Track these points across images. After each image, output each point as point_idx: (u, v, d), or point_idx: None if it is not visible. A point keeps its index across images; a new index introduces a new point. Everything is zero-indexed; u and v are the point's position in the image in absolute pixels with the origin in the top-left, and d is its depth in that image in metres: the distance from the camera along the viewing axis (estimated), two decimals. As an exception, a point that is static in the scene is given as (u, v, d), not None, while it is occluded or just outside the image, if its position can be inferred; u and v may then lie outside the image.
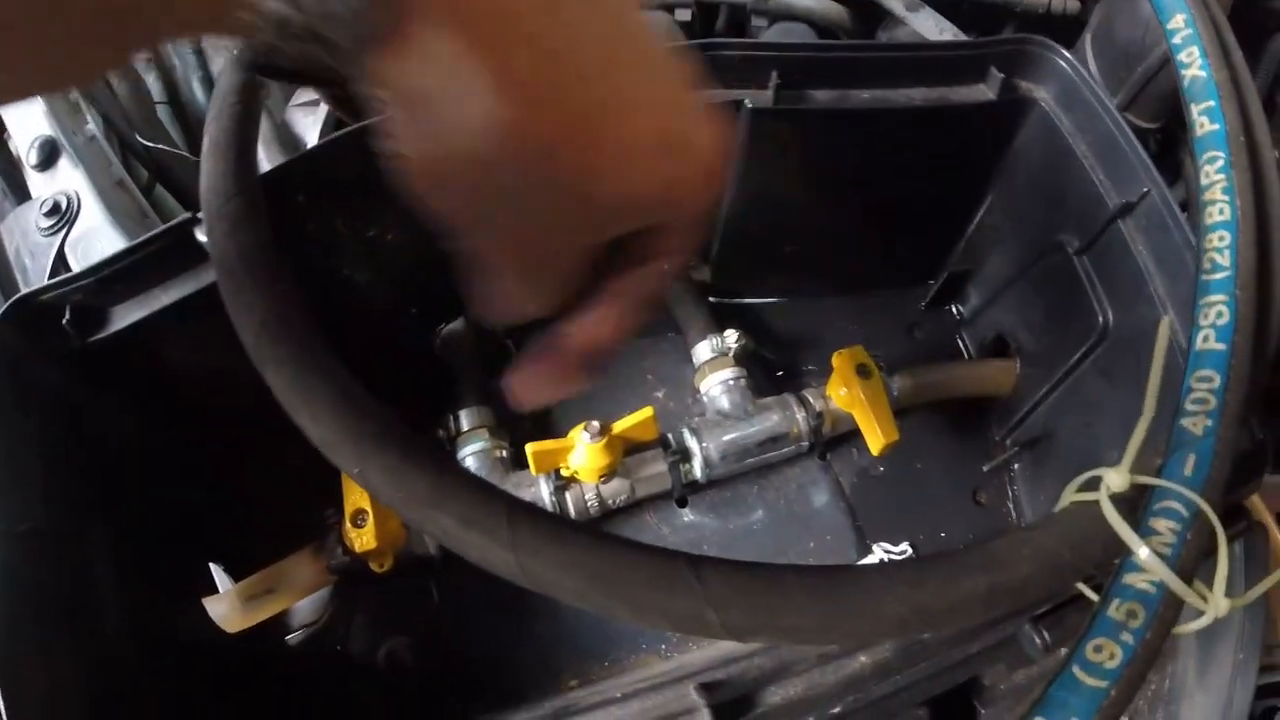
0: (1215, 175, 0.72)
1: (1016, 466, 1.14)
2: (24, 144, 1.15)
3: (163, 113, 1.40)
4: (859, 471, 1.13)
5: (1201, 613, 0.56)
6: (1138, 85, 1.14)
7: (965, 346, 1.22)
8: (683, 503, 1.08)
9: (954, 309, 1.25)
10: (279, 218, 0.80)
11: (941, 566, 0.54)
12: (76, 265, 1.00)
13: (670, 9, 1.30)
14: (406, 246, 0.99)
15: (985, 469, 1.14)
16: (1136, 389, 0.65)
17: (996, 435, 1.16)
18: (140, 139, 1.24)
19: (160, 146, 1.23)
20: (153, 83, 1.43)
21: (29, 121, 1.18)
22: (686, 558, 0.51)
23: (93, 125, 1.22)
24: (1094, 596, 0.56)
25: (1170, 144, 1.25)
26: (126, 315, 0.84)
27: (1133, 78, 1.13)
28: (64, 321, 0.81)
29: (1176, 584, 0.53)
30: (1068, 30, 1.27)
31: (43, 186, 1.13)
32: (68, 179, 1.13)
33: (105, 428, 0.89)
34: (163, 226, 0.82)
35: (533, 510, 0.54)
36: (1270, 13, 1.20)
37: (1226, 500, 0.68)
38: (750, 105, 0.94)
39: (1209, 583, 0.57)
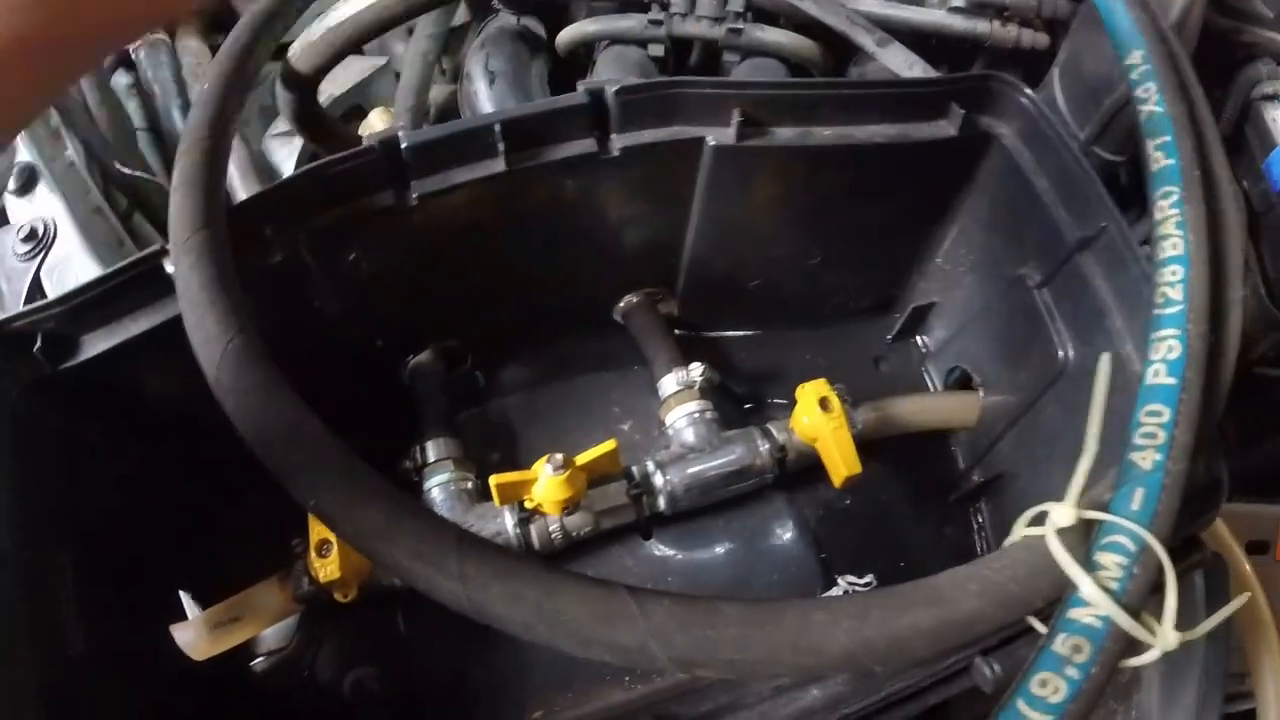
0: (1169, 210, 0.73)
1: (982, 499, 1.14)
2: (2, 169, 1.16)
3: (143, 139, 1.41)
4: (824, 504, 1.13)
5: (1151, 646, 0.56)
6: (1106, 117, 1.14)
7: (931, 378, 1.22)
8: (647, 535, 1.08)
9: (919, 341, 1.25)
10: (246, 250, 0.82)
11: (886, 601, 0.55)
12: (52, 290, 1.01)
13: (643, 44, 1.32)
14: (377, 279, 0.99)
15: (951, 500, 1.15)
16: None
17: (962, 467, 1.16)
18: (119, 166, 1.25)
19: (139, 174, 1.24)
20: (134, 110, 1.45)
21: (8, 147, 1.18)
22: (630, 591, 0.52)
23: (72, 152, 1.23)
24: (1043, 629, 0.57)
25: (1141, 177, 1.25)
26: (97, 344, 0.84)
27: (1100, 110, 1.14)
28: (35, 349, 0.81)
29: (1122, 618, 0.54)
30: (1037, 64, 1.28)
31: (20, 212, 1.14)
32: (45, 205, 1.14)
33: (75, 453, 0.89)
34: (132, 257, 0.82)
35: (482, 544, 0.54)
36: (1239, 45, 1.22)
37: (1180, 533, 0.69)
38: (713, 143, 0.95)
39: (1160, 616, 0.57)
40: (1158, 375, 0.65)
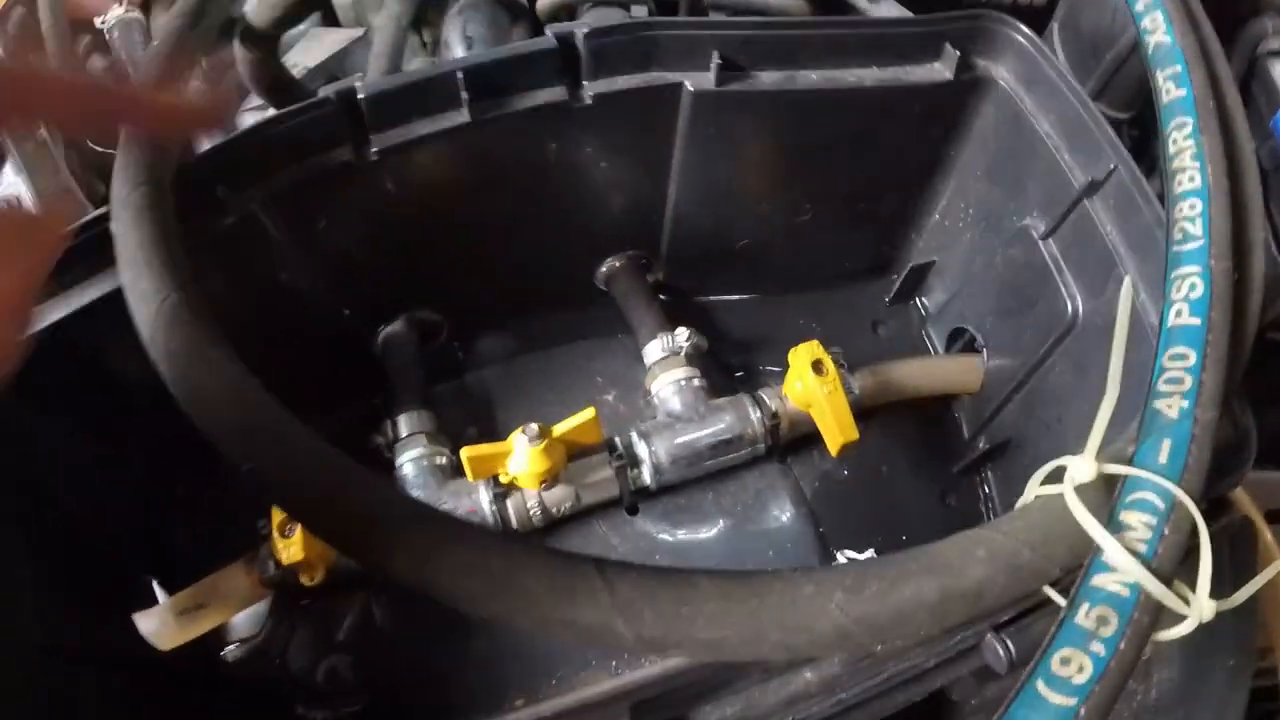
0: (1184, 141, 0.68)
1: (988, 467, 1.09)
2: (-31, 148, 1.13)
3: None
4: (821, 476, 1.08)
5: (1183, 617, 0.50)
6: (1108, 73, 1.10)
7: (932, 341, 1.17)
8: (633, 511, 1.02)
9: (919, 303, 1.20)
10: (198, 213, 0.80)
11: (884, 570, 0.49)
12: None
13: (626, 6, 1.27)
14: (341, 244, 0.94)
15: (955, 470, 1.09)
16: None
17: (966, 434, 1.11)
18: (92, 144, 1.22)
19: (111, 152, 1.21)
20: None
21: None
22: (596, 563, 0.46)
23: (43, 131, 1.21)
24: (1062, 601, 0.51)
25: (1144, 136, 1.22)
26: (47, 315, 0.80)
27: (1102, 66, 1.10)
28: None
29: (1153, 585, 0.48)
30: (1036, 21, 1.23)
31: None
32: (11, 184, 1.13)
33: (26, 433, 0.85)
34: (80, 220, 0.78)
35: (432, 514, 0.49)
36: (1242, 0, 1.17)
37: (1208, 492, 0.63)
38: (691, 88, 0.89)
39: (1190, 583, 0.51)
40: (1180, 316, 0.59)
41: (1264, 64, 1.15)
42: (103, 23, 1.41)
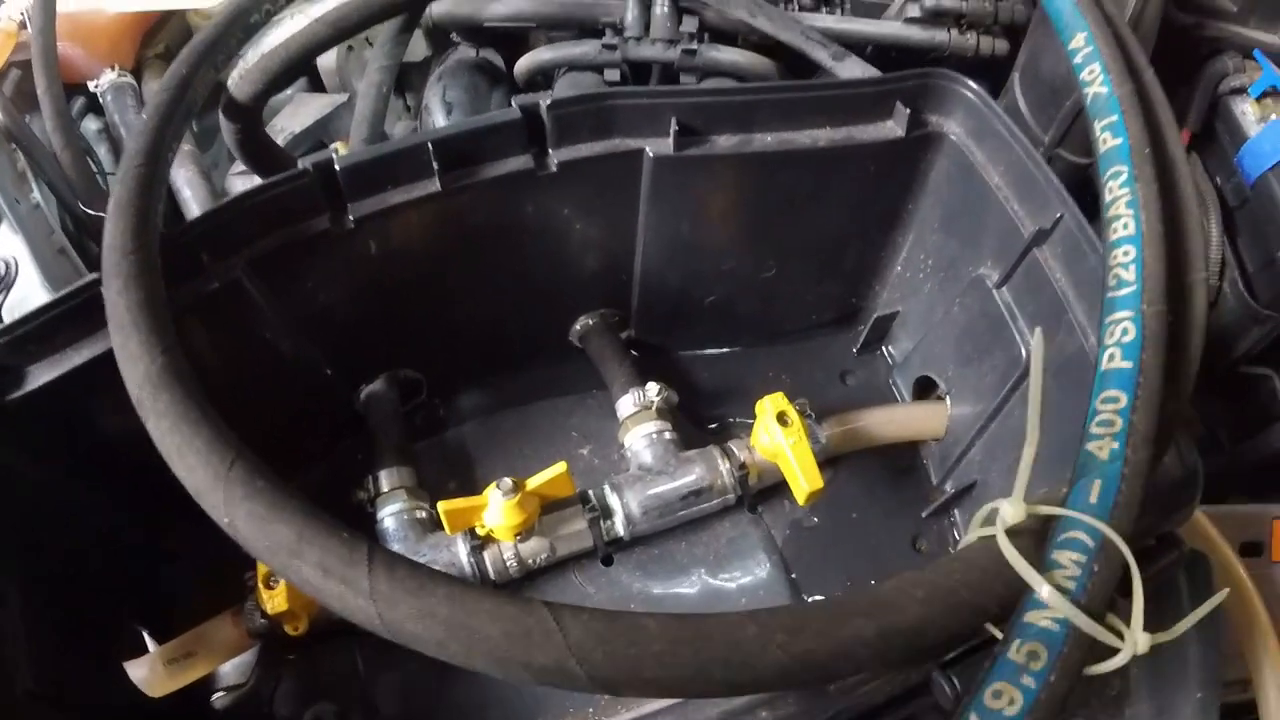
0: (1119, 190, 0.71)
1: (956, 510, 1.11)
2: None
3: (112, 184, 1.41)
4: (792, 524, 1.10)
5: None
6: (1068, 119, 1.14)
7: (899, 390, 1.19)
8: (608, 561, 1.04)
9: (885, 353, 1.22)
10: (183, 278, 0.84)
11: (825, 611, 0.51)
12: None
13: (599, 69, 1.31)
14: (322, 307, 0.97)
15: (924, 514, 1.11)
16: (1065, 421, 0.63)
17: (934, 479, 1.13)
18: (84, 208, 1.25)
19: (103, 215, 1.24)
20: (105, 155, 1.46)
21: None
22: (549, 607, 0.49)
23: (37, 194, 1.25)
24: (998, 634, 0.54)
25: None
26: (41, 375, 0.83)
27: (1061, 112, 1.13)
28: None
29: (1081, 620, 0.51)
30: (998, 72, 1.28)
31: None
32: (8, 245, 1.15)
33: (22, 485, 0.87)
34: (72, 286, 0.82)
35: (394, 560, 0.52)
36: (1203, 40, 1.21)
37: (1154, 530, 0.66)
38: (652, 154, 0.93)
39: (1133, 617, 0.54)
40: (1113, 360, 0.62)
41: (1226, 102, 1.18)
42: (96, 86, 1.46)
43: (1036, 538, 0.56)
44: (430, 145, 0.87)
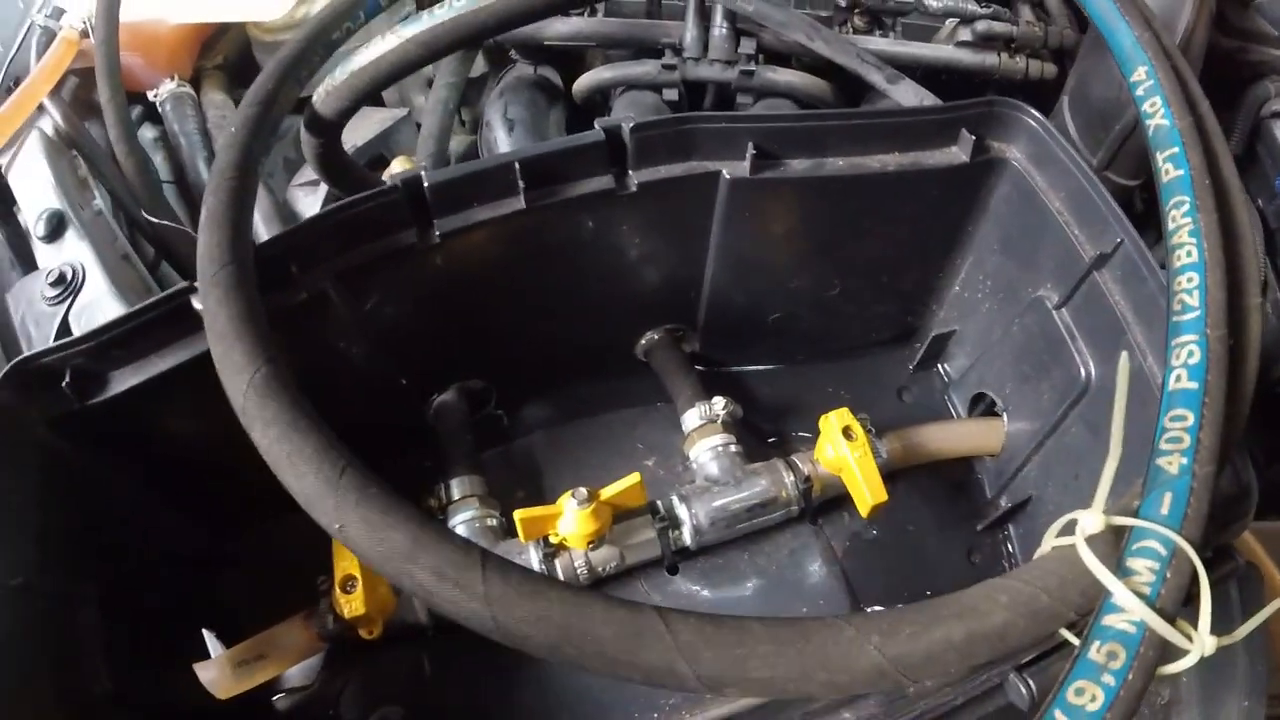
0: (1181, 219, 0.73)
1: (1010, 524, 1.13)
2: (32, 216, 1.19)
3: (170, 192, 1.43)
4: (851, 535, 1.13)
5: (1188, 651, 0.55)
6: (1116, 143, 1.15)
7: (954, 406, 1.22)
8: (674, 570, 1.07)
9: (941, 370, 1.25)
10: (272, 288, 0.85)
11: (917, 615, 0.54)
12: None
13: (658, 89, 1.33)
14: (401, 318, 1.00)
15: (979, 528, 1.14)
16: (1126, 436, 0.66)
17: (989, 494, 1.16)
18: (146, 215, 1.27)
19: (165, 223, 1.25)
20: (161, 163, 1.47)
21: (37, 194, 1.21)
22: (658, 611, 0.52)
23: (99, 201, 1.26)
24: (1077, 641, 0.56)
25: (1154, 201, 1.26)
26: (124, 380, 0.85)
27: (1110, 136, 1.15)
28: (64, 384, 0.82)
29: (1156, 622, 0.53)
30: (1046, 95, 1.30)
31: (49, 258, 1.16)
32: (74, 251, 1.16)
33: (101, 489, 0.90)
34: (161, 294, 0.84)
35: (507, 565, 0.54)
36: (1245, 64, 1.22)
37: (1212, 542, 0.68)
38: (728, 176, 0.96)
39: (1197, 625, 0.56)
40: (1180, 380, 0.65)
41: (1268, 125, 1.20)
42: (155, 95, 1.48)
43: (1111, 546, 0.58)
44: (517, 165, 0.90)
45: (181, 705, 0.94)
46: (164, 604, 0.98)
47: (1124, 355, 0.70)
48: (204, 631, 1.02)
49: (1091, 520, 0.58)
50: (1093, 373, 0.96)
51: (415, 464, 1.14)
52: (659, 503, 1.04)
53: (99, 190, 1.28)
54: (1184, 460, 0.60)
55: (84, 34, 1.35)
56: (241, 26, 1.55)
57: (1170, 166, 0.79)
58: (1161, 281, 0.83)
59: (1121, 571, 0.56)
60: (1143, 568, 0.56)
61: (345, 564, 0.92)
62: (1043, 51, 1.36)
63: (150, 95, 1.49)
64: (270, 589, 1.02)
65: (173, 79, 1.48)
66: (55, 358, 0.82)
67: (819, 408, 1.06)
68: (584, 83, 1.38)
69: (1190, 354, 0.66)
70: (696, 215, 1.01)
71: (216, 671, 0.93)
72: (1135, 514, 0.59)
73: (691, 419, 1.09)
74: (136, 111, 1.50)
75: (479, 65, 1.56)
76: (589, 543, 0.95)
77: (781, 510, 1.05)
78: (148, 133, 1.51)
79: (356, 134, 1.54)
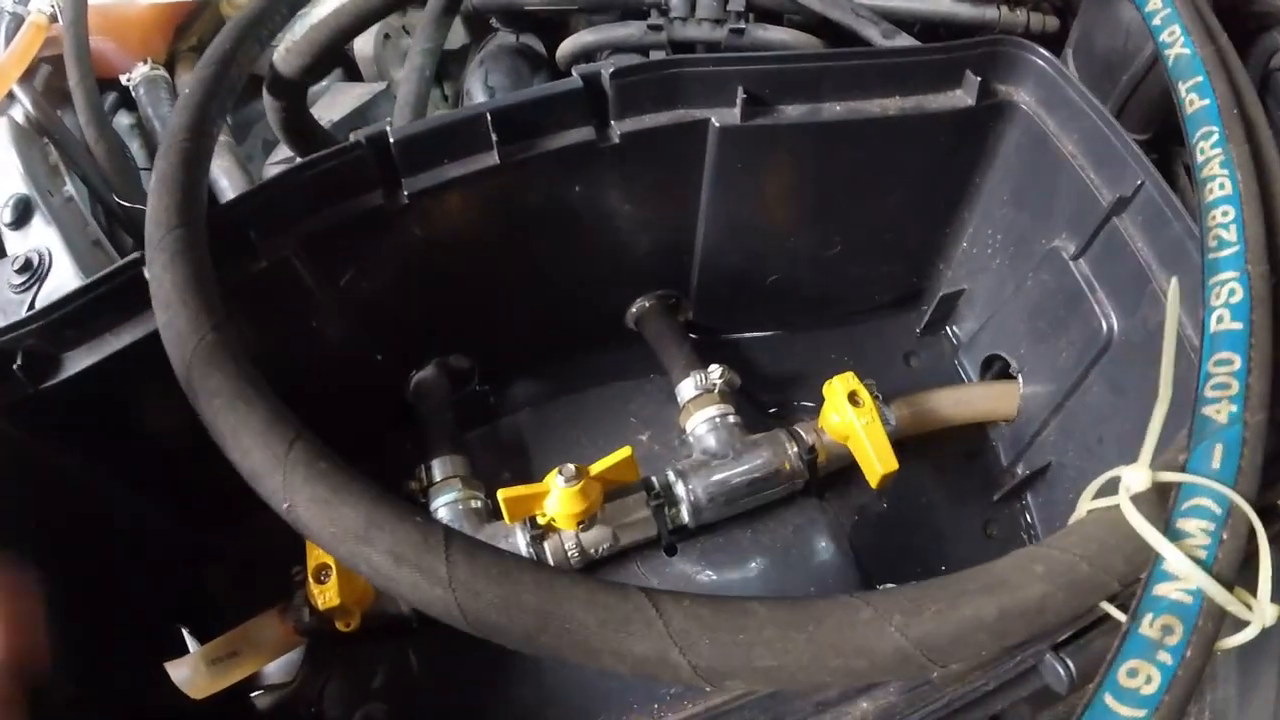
0: (1211, 150, 0.68)
1: (1028, 493, 1.08)
2: (-1, 203, 1.15)
3: (147, 178, 1.40)
4: (860, 509, 1.07)
5: (1245, 623, 0.49)
6: (1124, 94, 1.10)
7: (965, 371, 1.16)
8: (671, 550, 1.02)
9: (950, 332, 1.19)
10: (231, 256, 0.81)
11: (942, 591, 0.48)
12: None
13: (644, 51, 1.28)
14: (373, 288, 0.95)
15: (995, 499, 1.08)
16: (1148, 396, 0.59)
17: (1005, 462, 1.10)
18: (119, 201, 1.24)
19: (139, 208, 1.22)
20: (137, 150, 1.44)
21: (3, 181, 1.19)
22: (647, 593, 0.45)
23: (71, 188, 1.24)
24: (1121, 617, 0.50)
25: (1163, 156, 1.21)
26: (79, 361, 0.80)
27: (1118, 87, 1.09)
28: (15, 367, 0.77)
29: (1216, 591, 0.47)
30: (1048, 48, 1.23)
31: (15, 244, 1.14)
32: (41, 237, 1.13)
33: (64, 481, 0.86)
34: (110, 267, 0.79)
35: (474, 544, 0.48)
36: (1251, 15, 1.17)
37: (1260, 498, 0.62)
38: (718, 124, 0.90)
39: (1247, 586, 0.50)
40: (1222, 321, 0.58)
41: (1277, 79, 1.14)
42: (128, 80, 1.44)
43: (1157, 506, 0.52)
44: (489, 116, 0.84)
45: (157, 706, 0.89)
46: (139, 601, 0.93)
47: (1174, 280, 0.63)
48: (183, 630, 0.97)
49: (1137, 477, 0.51)
50: (1115, 326, 0.89)
51: (396, 445, 1.09)
52: (654, 479, 0.98)
53: (72, 177, 1.27)
54: (1233, 408, 0.54)
55: (54, 19, 1.32)
56: (216, 6, 1.52)
57: (1195, 96, 0.73)
58: (1188, 224, 0.78)
59: (1171, 534, 0.49)
60: (1196, 529, 0.49)
61: (318, 552, 0.87)
62: (1044, 4, 1.30)
63: (124, 79, 1.46)
64: (257, 584, 0.97)
65: (146, 62, 1.45)
66: (4, 340, 0.77)
67: (822, 375, 1.00)
68: (567, 48, 1.32)
69: (1232, 292, 0.60)
70: (685, 168, 0.95)
71: (190, 670, 0.88)
72: (1183, 469, 0.52)
73: (687, 389, 1.04)
74: (112, 97, 1.49)
75: (460, 36, 1.52)
76: (579, 523, 0.90)
77: (785, 484, 1.00)
78: (124, 119, 1.49)
79: (333, 109, 1.50)
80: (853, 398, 0.95)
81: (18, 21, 1.34)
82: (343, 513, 0.50)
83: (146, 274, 0.75)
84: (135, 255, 0.77)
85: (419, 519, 0.49)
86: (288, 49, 0.99)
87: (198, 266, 0.66)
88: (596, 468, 0.87)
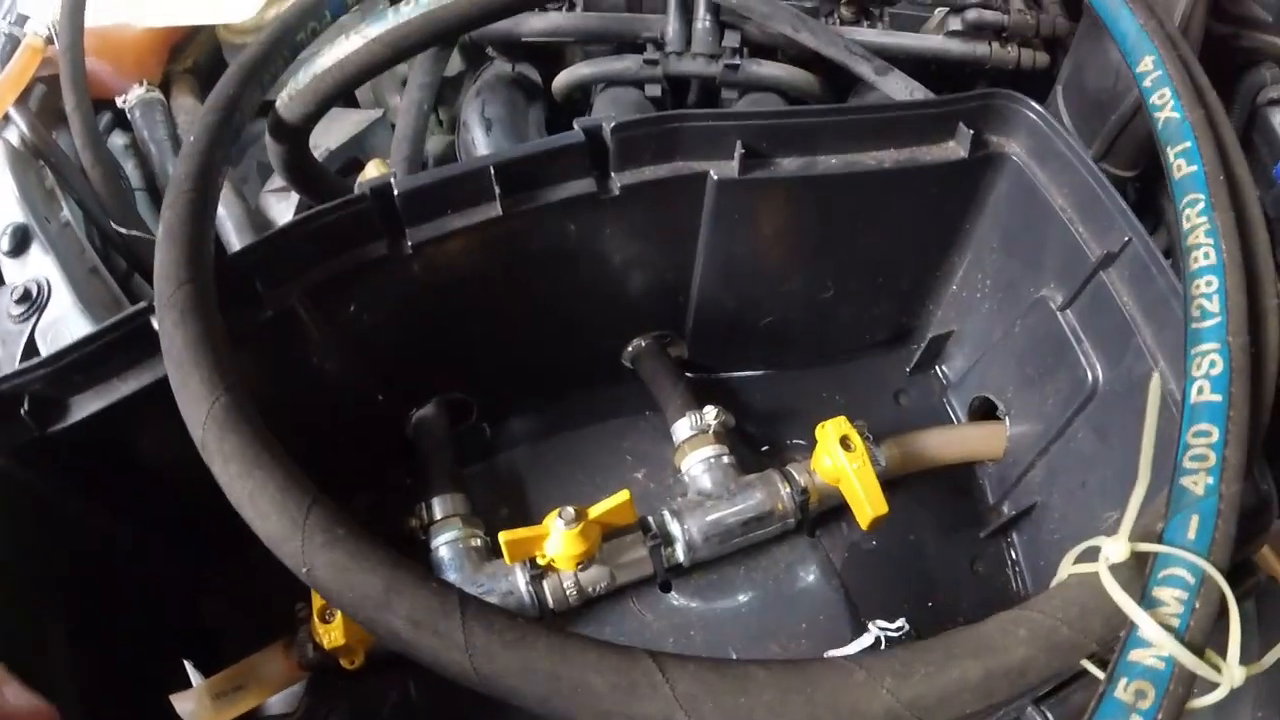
0: (1197, 219, 0.70)
1: (1014, 532, 1.10)
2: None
3: (141, 200, 1.39)
4: (850, 547, 1.09)
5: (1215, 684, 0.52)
6: (1112, 133, 1.12)
7: (953, 410, 1.18)
8: (666, 587, 1.04)
9: (939, 372, 1.21)
10: (237, 306, 0.82)
11: (930, 653, 0.50)
12: (46, 352, 0.99)
13: (640, 85, 1.30)
14: (376, 333, 0.96)
15: (982, 536, 1.10)
16: (1131, 445, 0.62)
17: (991, 500, 1.12)
18: (116, 227, 1.23)
19: (135, 234, 1.22)
20: (132, 171, 1.43)
21: (1, 207, 1.18)
22: (654, 657, 0.47)
23: (67, 213, 1.23)
24: (1099, 673, 0.52)
25: (1150, 192, 1.23)
26: (86, 406, 0.81)
27: (1107, 126, 1.12)
28: (22, 411, 0.79)
29: (1187, 658, 0.49)
30: (1038, 85, 1.26)
31: (13, 273, 1.13)
32: (39, 266, 1.13)
33: (66, 519, 0.86)
34: (119, 315, 0.80)
35: (489, 610, 0.50)
36: (1239, 50, 1.19)
37: (1233, 558, 0.64)
38: (716, 177, 0.92)
39: (1218, 647, 0.52)
40: (1202, 393, 0.61)
41: (1264, 114, 1.16)
42: (123, 102, 1.43)
43: (1134, 574, 0.54)
44: (492, 170, 0.86)
45: None
46: (142, 636, 0.94)
47: (1155, 377, 0.66)
48: (186, 663, 0.98)
49: (1116, 549, 0.54)
50: (1100, 376, 0.92)
51: (396, 482, 1.10)
52: (650, 519, 1.00)
53: (67, 202, 1.25)
54: (1209, 480, 0.56)
55: (50, 40, 1.30)
56: (211, 29, 1.51)
57: (1183, 162, 0.75)
58: (1172, 281, 0.80)
59: (1147, 602, 0.52)
60: (1170, 598, 0.52)
61: (323, 592, 0.88)
62: (1035, 40, 1.32)
63: (119, 102, 1.44)
64: (254, 617, 0.98)
65: (141, 84, 1.44)
66: (11, 384, 0.79)
67: (814, 414, 1.03)
68: (563, 80, 1.34)
69: (1212, 364, 0.62)
70: (684, 218, 0.97)
71: (195, 703, 0.89)
72: (1160, 539, 0.55)
73: (682, 429, 1.06)
74: (106, 119, 1.47)
75: (456, 64, 1.53)
76: (578, 564, 0.92)
77: (778, 523, 1.02)
78: (118, 140, 1.48)
79: (330, 136, 1.51)
80: (844, 442, 0.97)
81: (13, 43, 1.32)
82: (362, 579, 0.51)
83: (155, 325, 0.76)
84: (142, 305, 0.79)
85: (435, 584, 0.51)
86: (291, 96, 1.00)
87: (208, 324, 0.67)
88: (595, 511, 0.89)
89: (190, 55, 1.54)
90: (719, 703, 0.46)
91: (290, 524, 0.55)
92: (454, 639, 0.49)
